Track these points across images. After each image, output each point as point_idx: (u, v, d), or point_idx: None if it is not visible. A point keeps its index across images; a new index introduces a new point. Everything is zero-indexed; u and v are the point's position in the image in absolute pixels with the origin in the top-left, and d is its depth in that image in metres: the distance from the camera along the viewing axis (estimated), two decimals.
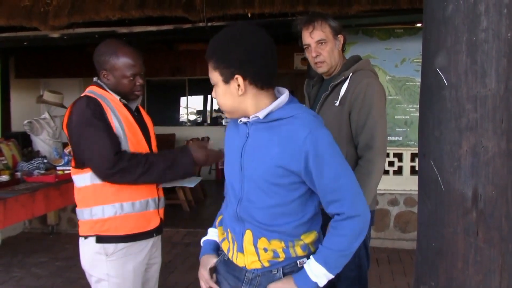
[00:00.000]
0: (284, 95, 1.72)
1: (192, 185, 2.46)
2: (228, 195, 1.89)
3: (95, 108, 2.21)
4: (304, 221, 1.73)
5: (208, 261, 1.94)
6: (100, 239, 2.27)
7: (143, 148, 2.35)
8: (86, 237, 2.30)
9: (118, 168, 2.14)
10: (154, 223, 2.39)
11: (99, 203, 2.25)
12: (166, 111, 10.56)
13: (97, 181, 2.24)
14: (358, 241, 1.66)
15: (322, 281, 1.67)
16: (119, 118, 2.27)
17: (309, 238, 1.75)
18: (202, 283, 1.95)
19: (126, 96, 2.36)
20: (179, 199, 7.21)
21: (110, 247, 2.28)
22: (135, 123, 2.35)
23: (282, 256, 1.72)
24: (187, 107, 10.76)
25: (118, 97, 2.33)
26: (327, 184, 1.62)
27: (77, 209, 2.35)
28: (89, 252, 2.32)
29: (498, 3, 1.35)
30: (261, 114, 1.69)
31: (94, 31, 5.48)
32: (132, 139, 2.29)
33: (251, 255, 1.75)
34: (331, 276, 1.67)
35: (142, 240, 2.36)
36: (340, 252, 1.66)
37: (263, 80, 1.66)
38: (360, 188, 1.68)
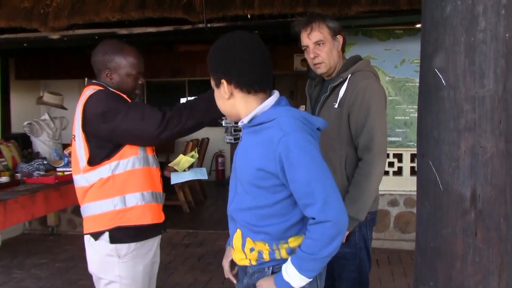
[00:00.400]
0: (270, 99, 1.77)
1: (206, 177, 2.52)
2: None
3: (112, 93, 2.24)
4: (291, 223, 1.75)
5: (229, 253, 2.00)
6: (115, 239, 2.27)
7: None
8: (97, 237, 2.29)
9: (167, 118, 2.19)
10: (163, 216, 2.45)
11: (122, 193, 2.26)
12: None
13: (118, 171, 2.26)
14: (331, 246, 1.65)
15: (296, 283, 1.69)
16: None
17: (297, 241, 1.76)
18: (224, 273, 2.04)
19: (127, 95, 2.38)
20: (179, 200, 7.22)
21: (123, 248, 2.29)
22: None
23: (266, 257, 1.77)
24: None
25: (123, 96, 2.36)
26: (299, 187, 1.65)
27: (90, 204, 2.32)
28: (100, 255, 2.31)
29: (496, 4, 1.35)
30: (246, 119, 1.76)
31: (94, 33, 5.48)
32: None
33: (239, 252, 1.83)
34: (306, 279, 1.69)
35: (151, 238, 2.39)
36: (311, 255, 1.66)
37: (249, 84, 1.73)
38: (337, 193, 1.66)
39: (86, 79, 2.49)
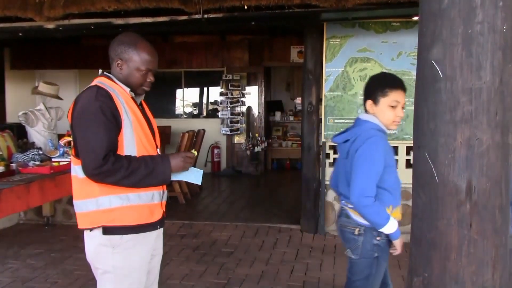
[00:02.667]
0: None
1: (199, 182, 2.50)
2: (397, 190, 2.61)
3: (103, 101, 2.21)
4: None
5: None
6: (107, 231, 2.28)
7: (149, 141, 2.37)
8: (91, 229, 2.30)
9: (102, 170, 2.17)
10: (157, 215, 2.41)
11: (106, 194, 2.26)
12: (162, 104, 10.54)
13: None
14: (368, 218, 2.47)
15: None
16: (128, 111, 2.28)
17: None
18: None
19: (133, 90, 2.38)
20: (175, 191, 7.22)
21: (116, 238, 2.28)
22: (143, 117, 2.37)
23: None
24: (183, 99, 10.73)
25: (128, 89, 2.35)
26: None
27: (79, 201, 2.33)
28: (94, 244, 2.32)
29: None
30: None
31: (90, 22, 5.45)
32: (139, 132, 2.31)
33: None
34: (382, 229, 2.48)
35: (146, 232, 2.37)
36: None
37: None
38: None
39: (100, 70, 2.47)
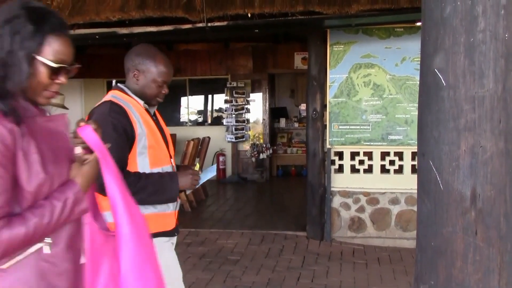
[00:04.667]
0: None
1: (215, 172, 2.60)
2: None
3: (116, 117, 2.23)
4: None
5: None
6: None
7: (163, 151, 2.40)
8: None
9: None
10: (170, 225, 2.44)
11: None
12: (167, 112, 10.56)
13: None
14: None
15: None
16: (142, 124, 2.31)
17: None
18: None
19: (148, 101, 2.41)
20: (181, 199, 7.22)
21: None
22: (156, 128, 2.41)
23: None
24: (188, 107, 10.76)
25: (142, 102, 2.38)
26: None
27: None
28: None
29: (496, 5, 1.36)
30: None
31: (95, 32, 5.49)
32: (153, 144, 2.34)
33: None
34: None
35: (162, 240, 2.39)
36: None
37: None
38: None
39: (114, 80, 2.50)
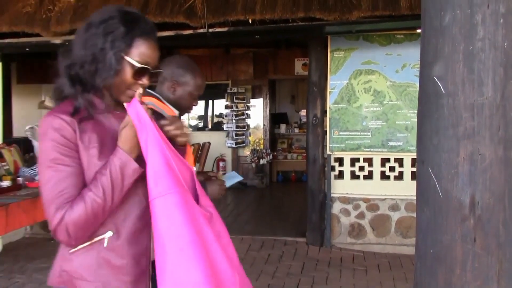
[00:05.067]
0: None
1: (241, 177, 2.68)
2: None
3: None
4: None
5: None
6: None
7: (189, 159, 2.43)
8: None
9: None
10: None
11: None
12: None
13: None
14: None
15: None
16: None
17: None
18: None
19: (180, 110, 2.47)
20: None
21: None
22: None
23: None
24: (188, 112, 10.77)
25: (177, 112, 2.42)
26: None
27: None
28: None
29: (495, 13, 1.37)
30: None
31: None
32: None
33: None
34: None
35: None
36: None
37: None
38: None
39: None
